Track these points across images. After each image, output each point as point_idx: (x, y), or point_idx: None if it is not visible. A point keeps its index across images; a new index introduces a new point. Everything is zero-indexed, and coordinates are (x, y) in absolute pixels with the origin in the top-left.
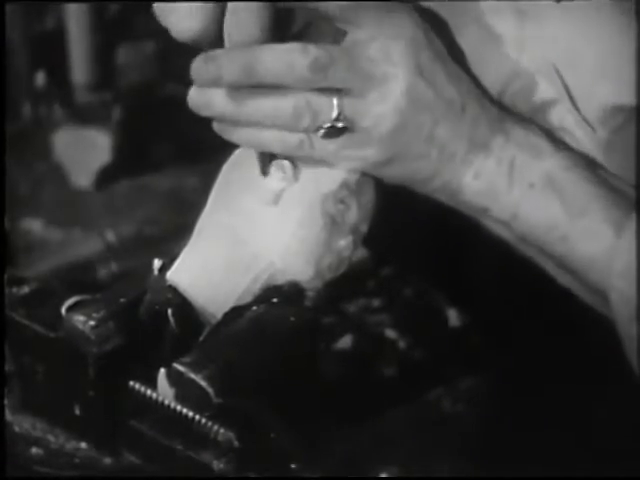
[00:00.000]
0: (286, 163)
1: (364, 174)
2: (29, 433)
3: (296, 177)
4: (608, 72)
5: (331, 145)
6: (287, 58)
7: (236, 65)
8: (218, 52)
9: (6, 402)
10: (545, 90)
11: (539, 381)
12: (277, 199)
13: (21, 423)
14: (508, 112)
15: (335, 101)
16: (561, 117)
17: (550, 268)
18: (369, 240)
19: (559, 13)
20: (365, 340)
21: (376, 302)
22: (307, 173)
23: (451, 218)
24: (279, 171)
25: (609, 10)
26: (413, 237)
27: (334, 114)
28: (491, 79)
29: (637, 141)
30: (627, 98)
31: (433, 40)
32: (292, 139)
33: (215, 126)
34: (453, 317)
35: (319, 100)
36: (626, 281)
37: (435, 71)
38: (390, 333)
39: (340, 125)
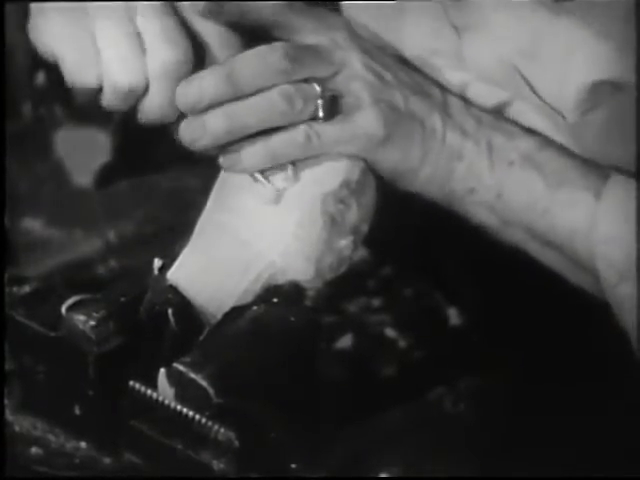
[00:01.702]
0: (287, 163)
1: (364, 174)
2: (29, 433)
3: (296, 177)
4: (579, 53)
5: (334, 129)
6: (260, 58)
7: (216, 80)
8: (196, 75)
9: (6, 402)
10: (497, 93)
11: (540, 381)
12: (278, 199)
13: (21, 423)
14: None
15: (315, 85)
16: (519, 114)
17: (536, 250)
18: (369, 240)
19: (504, 16)
20: (365, 340)
21: (376, 302)
22: (307, 173)
23: (452, 218)
24: (280, 171)
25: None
26: (413, 237)
27: (319, 90)
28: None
29: (637, 125)
30: (607, 73)
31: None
32: (299, 135)
33: (223, 162)
34: (453, 317)
35: (302, 85)
36: (609, 246)
37: (383, 57)
38: (390, 333)
39: (330, 94)
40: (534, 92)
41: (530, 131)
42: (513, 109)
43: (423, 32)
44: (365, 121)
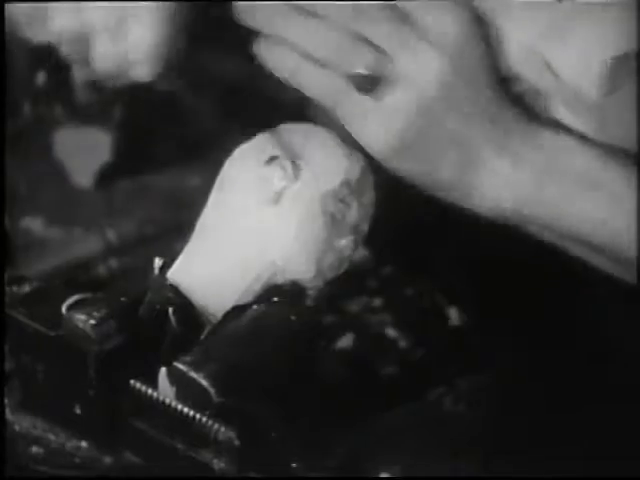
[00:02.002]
0: (287, 162)
1: (365, 173)
2: (29, 432)
3: (297, 176)
4: (601, 28)
5: (363, 105)
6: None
7: None
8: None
9: (6, 401)
10: (530, 86)
11: (540, 381)
12: (278, 198)
13: (21, 422)
14: (532, 114)
15: (372, 54)
16: (552, 111)
17: (595, 259)
18: (369, 240)
19: None
20: (366, 340)
21: (377, 302)
22: (308, 172)
23: (452, 217)
24: (280, 170)
25: None
26: (413, 237)
27: (371, 61)
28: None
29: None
30: (628, 45)
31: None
32: (330, 81)
33: (259, 47)
34: (453, 316)
35: (361, 46)
36: None
37: (477, 68)
38: (391, 333)
39: (375, 75)
40: (556, 76)
41: (588, 141)
42: (545, 106)
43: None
44: (392, 121)
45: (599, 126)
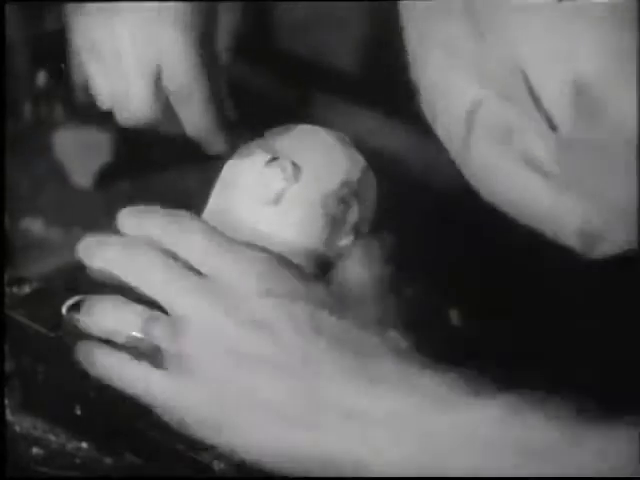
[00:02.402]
0: (287, 162)
1: (365, 173)
2: (30, 433)
3: (297, 177)
4: (581, 49)
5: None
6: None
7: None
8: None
9: (6, 402)
10: (508, 111)
11: (540, 381)
12: (278, 199)
13: (22, 423)
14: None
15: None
16: (528, 143)
17: None
18: None
19: (521, 16)
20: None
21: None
22: (308, 172)
23: (452, 217)
24: (280, 171)
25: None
26: (413, 237)
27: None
28: (456, 112)
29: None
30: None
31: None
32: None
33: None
34: (454, 317)
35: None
36: None
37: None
38: (390, 333)
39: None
40: (534, 98)
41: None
42: (516, 135)
43: (443, 50)
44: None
45: (568, 168)
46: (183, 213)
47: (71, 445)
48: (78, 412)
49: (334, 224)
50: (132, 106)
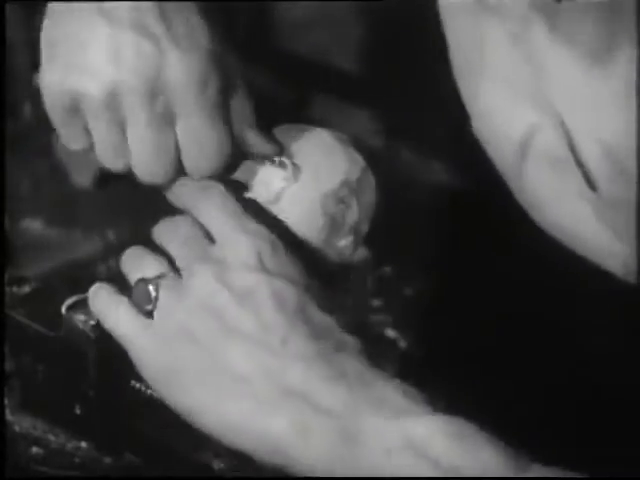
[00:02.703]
0: (287, 162)
1: (365, 173)
2: (29, 433)
3: (297, 177)
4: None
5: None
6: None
7: None
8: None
9: (6, 402)
10: (563, 142)
11: (540, 381)
12: (278, 198)
13: (21, 423)
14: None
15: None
16: (566, 179)
17: None
18: (369, 240)
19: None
20: (365, 340)
21: (376, 302)
22: (308, 172)
23: (452, 217)
24: (279, 171)
25: None
26: (413, 237)
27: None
28: (511, 139)
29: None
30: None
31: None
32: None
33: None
34: (453, 317)
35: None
36: None
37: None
38: (390, 333)
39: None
40: (574, 154)
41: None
42: (570, 165)
43: (497, 78)
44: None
45: (607, 226)
46: (212, 184)
47: (70, 445)
48: (78, 412)
49: (333, 224)
50: None
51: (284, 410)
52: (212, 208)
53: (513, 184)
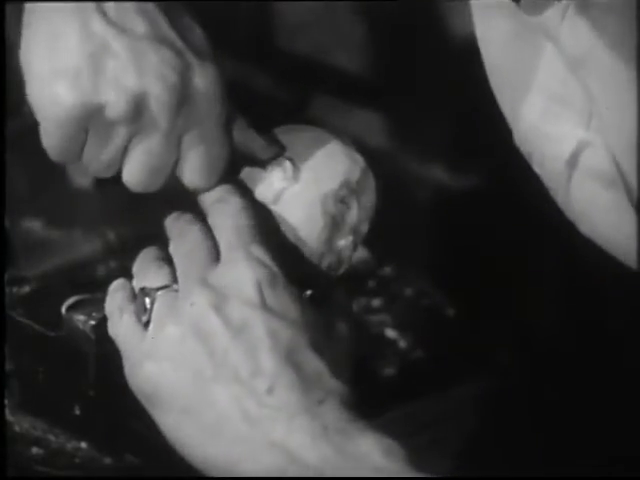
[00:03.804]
0: (287, 162)
1: (365, 173)
2: (29, 433)
3: (296, 177)
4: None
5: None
6: None
7: None
8: None
9: (6, 402)
10: (609, 161)
11: (540, 381)
12: (277, 198)
13: (21, 423)
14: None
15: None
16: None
17: None
18: (369, 240)
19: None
20: (365, 340)
21: (376, 302)
22: (308, 172)
23: (452, 217)
24: (279, 171)
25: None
26: (413, 237)
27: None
28: (559, 153)
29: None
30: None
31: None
32: None
33: None
34: (453, 317)
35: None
36: None
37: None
38: (390, 333)
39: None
40: (618, 168)
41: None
42: (613, 184)
43: (542, 93)
44: None
45: None
46: (230, 196)
47: (70, 445)
48: (78, 412)
49: (333, 224)
50: None
51: (264, 458)
52: (224, 224)
53: (560, 199)
